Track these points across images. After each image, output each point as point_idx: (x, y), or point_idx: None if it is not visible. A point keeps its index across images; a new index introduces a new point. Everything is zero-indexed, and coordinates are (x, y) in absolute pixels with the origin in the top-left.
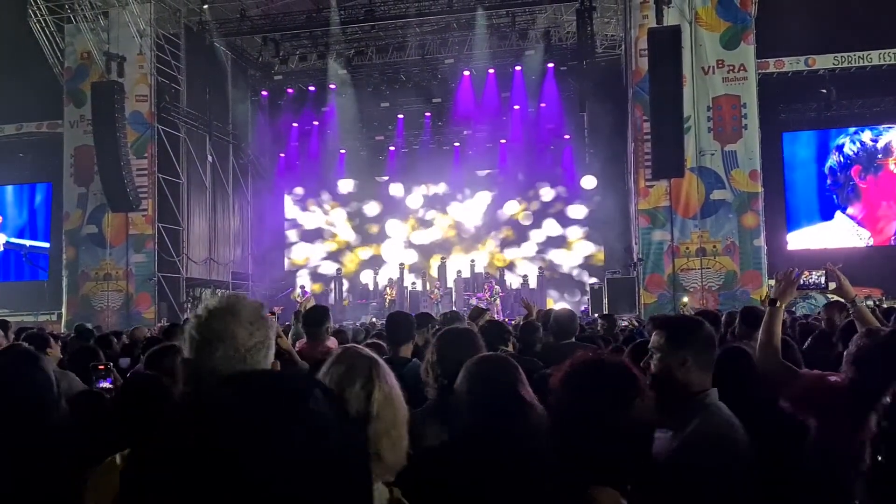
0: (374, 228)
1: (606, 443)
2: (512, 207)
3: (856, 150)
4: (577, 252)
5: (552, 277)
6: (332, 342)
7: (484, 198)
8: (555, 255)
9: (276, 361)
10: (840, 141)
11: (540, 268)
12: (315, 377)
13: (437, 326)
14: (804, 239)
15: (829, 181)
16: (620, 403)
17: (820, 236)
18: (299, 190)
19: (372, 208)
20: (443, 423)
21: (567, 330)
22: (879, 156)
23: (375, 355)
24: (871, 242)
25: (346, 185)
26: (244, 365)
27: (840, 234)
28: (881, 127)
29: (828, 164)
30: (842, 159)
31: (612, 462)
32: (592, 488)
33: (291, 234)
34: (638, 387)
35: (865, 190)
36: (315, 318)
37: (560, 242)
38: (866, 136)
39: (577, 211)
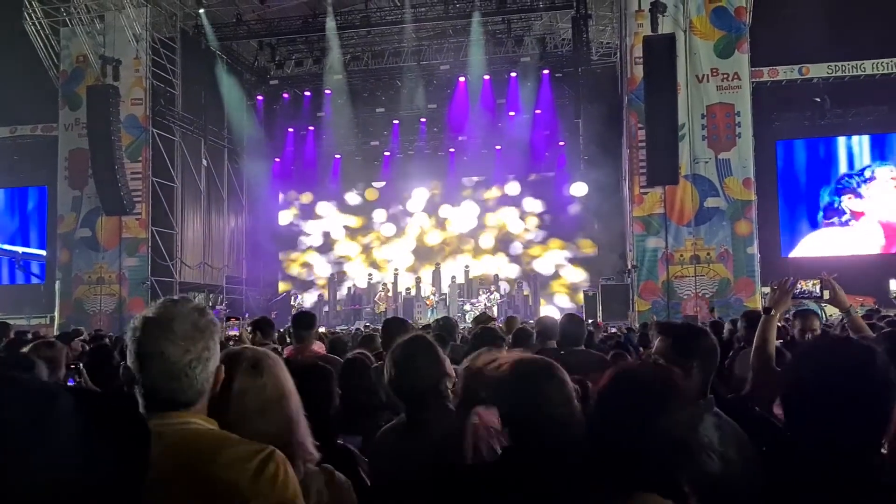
0: (369, 234)
1: (654, 448)
2: (506, 213)
3: (842, 186)
4: (570, 258)
5: (545, 283)
6: (318, 346)
7: (478, 203)
8: (548, 261)
9: (220, 366)
10: (826, 199)
11: (533, 273)
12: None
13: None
14: (806, 246)
15: (824, 217)
16: (667, 409)
17: (826, 244)
18: (294, 194)
19: (366, 214)
20: (416, 439)
21: (573, 336)
22: (863, 185)
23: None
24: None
25: (340, 191)
26: (181, 381)
27: (847, 242)
28: (865, 169)
29: (820, 214)
30: (832, 199)
31: (660, 467)
32: (637, 494)
33: (286, 239)
34: (680, 398)
35: (860, 213)
36: (304, 321)
37: (554, 248)
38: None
39: (572, 217)
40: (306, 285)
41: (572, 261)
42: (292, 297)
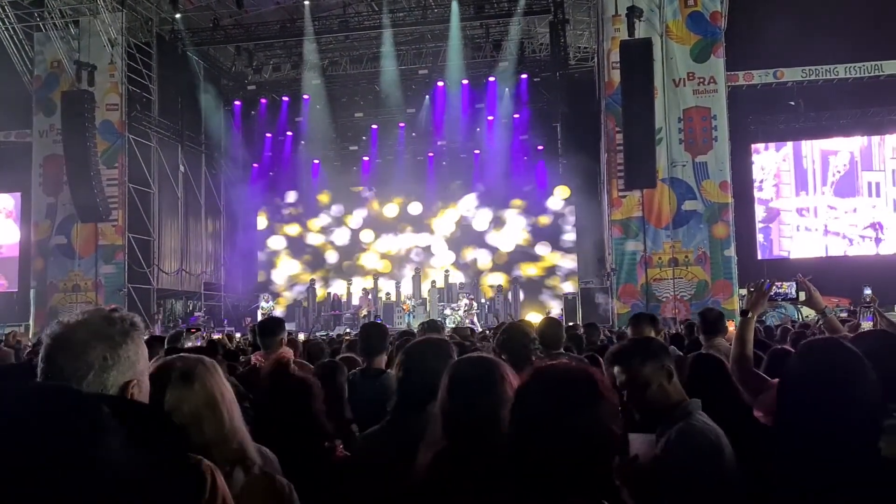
0: (348, 239)
1: (567, 448)
2: (486, 218)
3: None
4: (551, 262)
5: (526, 288)
6: (286, 352)
7: (458, 208)
8: (529, 265)
9: (135, 381)
10: None
11: (514, 278)
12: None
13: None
14: (783, 248)
15: None
16: (581, 407)
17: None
18: (272, 200)
19: (345, 219)
20: (399, 442)
21: (552, 339)
22: None
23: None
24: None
25: (319, 196)
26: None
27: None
28: None
29: None
30: None
31: (575, 469)
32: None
33: (264, 245)
34: (598, 391)
35: None
36: (269, 328)
37: (534, 253)
38: None
39: (551, 221)
40: (284, 291)
41: (551, 264)
42: (263, 300)
